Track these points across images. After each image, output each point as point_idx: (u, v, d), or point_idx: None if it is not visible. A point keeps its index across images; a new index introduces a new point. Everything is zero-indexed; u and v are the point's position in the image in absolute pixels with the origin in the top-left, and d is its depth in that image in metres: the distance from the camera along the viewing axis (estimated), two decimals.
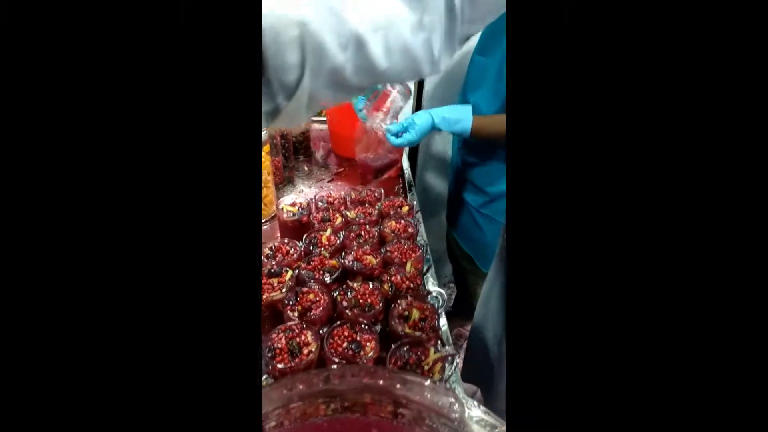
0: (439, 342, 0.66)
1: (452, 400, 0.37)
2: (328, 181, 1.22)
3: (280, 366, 0.57)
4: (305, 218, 0.88)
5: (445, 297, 0.72)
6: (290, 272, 0.72)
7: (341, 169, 1.28)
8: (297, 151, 1.31)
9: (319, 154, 1.37)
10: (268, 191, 0.98)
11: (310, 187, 1.19)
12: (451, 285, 1.75)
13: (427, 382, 0.38)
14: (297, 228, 0.87)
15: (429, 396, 0.38)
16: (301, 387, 0.39)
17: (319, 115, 1.50)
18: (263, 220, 1.01)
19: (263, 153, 0.93)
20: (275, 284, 0.71)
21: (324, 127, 1.44)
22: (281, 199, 0.95)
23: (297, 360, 0.58)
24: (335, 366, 0.54)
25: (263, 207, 0.99)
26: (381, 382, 0.39)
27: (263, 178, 0.93)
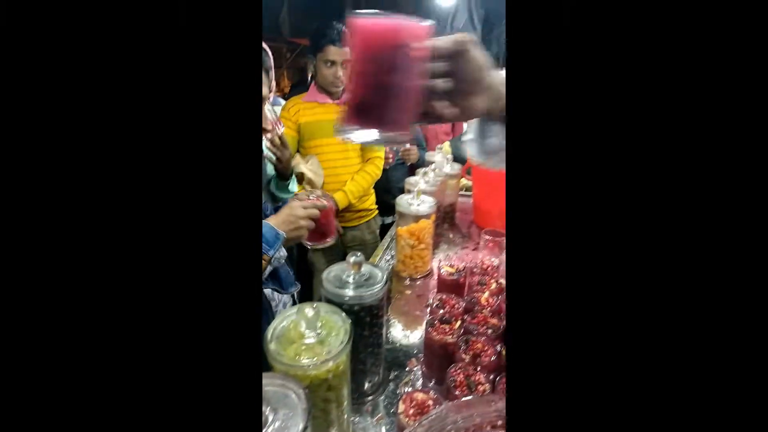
0: None
1: None
2: (473, 249, 1.37)
3: (456, 393, 0.72)
4: (462, 279, 1.08)
5: None
6: (458, 322, 0.89)
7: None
8: (444, 220, 1.50)
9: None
10: (428, 252, 1.20)
11: (456, 252, 1.35)
12: None
13: None
14: (455, 286, 1.07)
15: None
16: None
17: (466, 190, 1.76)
18: (420, 276, 1.21)
19: (429, 221, 1.14)
20: (447, 329, 0.88)
21: (469, 201, 1.65)
22: (436, 259, 1.13)
23: (474, 392, 0.72)
24: None
25: (422, 264, 1.19)
26: None
27: (426, 241, 1.13)
